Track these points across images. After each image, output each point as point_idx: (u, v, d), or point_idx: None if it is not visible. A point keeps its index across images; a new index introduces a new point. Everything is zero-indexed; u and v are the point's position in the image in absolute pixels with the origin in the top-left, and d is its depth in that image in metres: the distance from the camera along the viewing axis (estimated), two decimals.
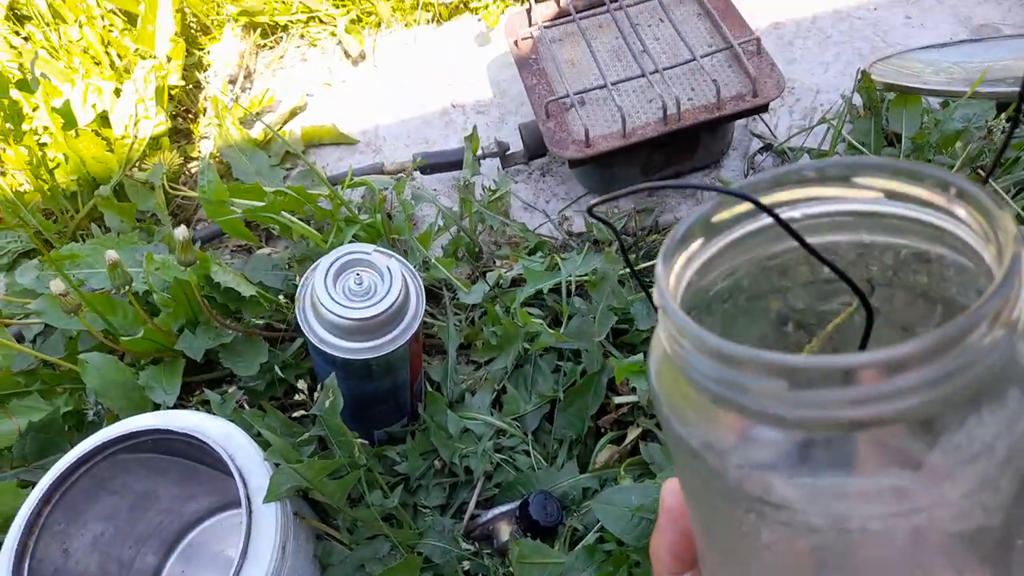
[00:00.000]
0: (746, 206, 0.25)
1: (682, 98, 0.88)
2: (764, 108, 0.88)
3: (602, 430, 0.78)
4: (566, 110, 0.91)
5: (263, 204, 0.80)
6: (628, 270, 0.81)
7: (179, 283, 0.72)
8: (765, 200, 0.24)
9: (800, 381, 0.19)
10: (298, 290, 0.68)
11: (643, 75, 0.90)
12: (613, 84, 0.90)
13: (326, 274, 0.64)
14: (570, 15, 1.00)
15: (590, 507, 0.72)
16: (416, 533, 0.72)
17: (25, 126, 1.01)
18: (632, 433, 0.76)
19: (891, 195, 0.25)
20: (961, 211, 0.23)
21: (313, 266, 0.67)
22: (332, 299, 0.64)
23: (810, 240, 0.24)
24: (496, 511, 0.74)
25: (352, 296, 0.64)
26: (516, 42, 0.99)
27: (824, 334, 0.31)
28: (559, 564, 0.66)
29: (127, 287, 0.66)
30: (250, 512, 0.62)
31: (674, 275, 0.25)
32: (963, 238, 0.24)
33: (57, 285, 0.62)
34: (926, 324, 0.28)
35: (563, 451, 0.78)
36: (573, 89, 0.91)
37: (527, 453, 0.78)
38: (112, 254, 0.63)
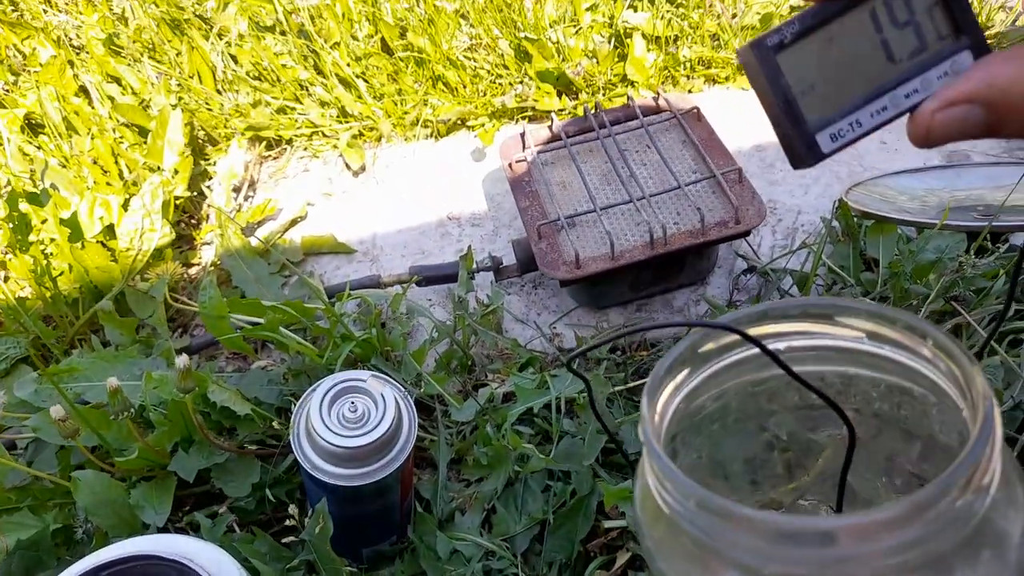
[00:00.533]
0: (731, 337, 0.27)
1: (668, 223, 0.92)
2: (747, 234, 0.92)
3: (591, 554, 0.78)
4: (557, 231, 0.95)
5: (262, 323, 0.83)
6: (617, 391, 0.83)
7: (175, 403, 0.74)
8: (751, 332, 0.26)
9: (781, 538, 0.20)
10: (293, 415, 0.69)
11: (631, 200, 0.94)
12: (602, 209, 0.94)
13: (321, 401, 0.66)
14: (561, 139, 1.06)
15: None
16: None
17: (32, 237, 1.05)
18: (621, 558, 0.76)
19: (872, 336, 0.26)
20: (937, 360, 0.25)
21: (309, 390, 0.69)
22: (326, 427, 0.65)
23: (796, 369, 0.25)
24: None
25: (346, 424, 0.66)
26: (510, 164, 1.04)
27: (808, 481, 0.32)
28: None
29: (126, 413, 0.67)
30: None
31: (659, 409, 0.26)
32: (938, 383, 0.25)
33: (57, 411, 0.64)
34: (908, 454, 0.29)
35: (553, 574, 0.78)
36: (564, 213, 0.95)
37: None
38: (113, 381, 0.65)
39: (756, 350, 0.25)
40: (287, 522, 0.70)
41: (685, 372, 0.26)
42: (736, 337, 0.26)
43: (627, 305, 1.04)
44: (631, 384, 0.88)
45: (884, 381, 0.28)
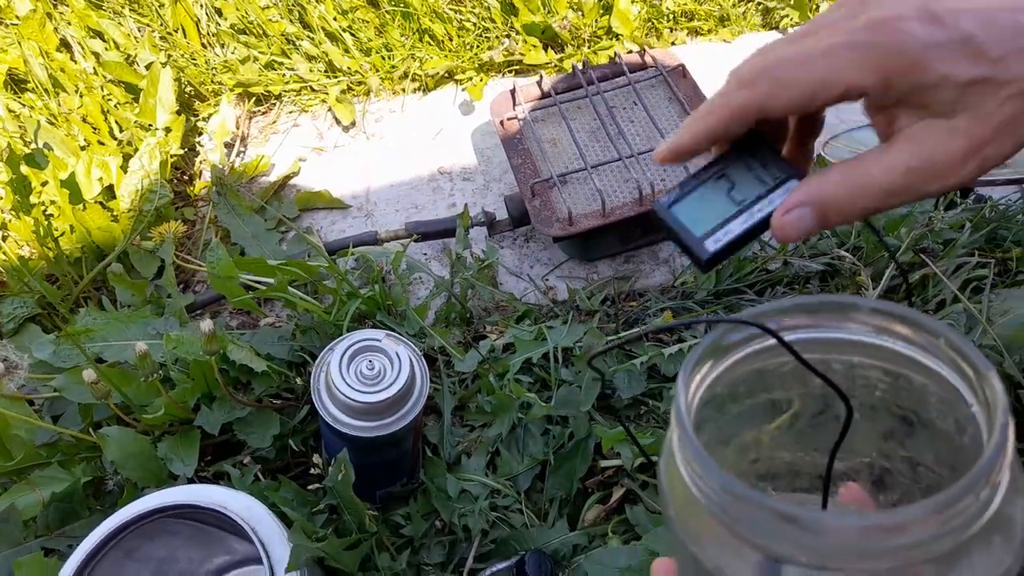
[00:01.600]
0: (751, 330, 0.31)
1: (655, 180, 0.96)
2: None
3: (589, 490, 0.85)
4: (550, 189, 0.99)
5: (273, 283, 0.86)
6: (611, 343, 0.89)
7: (198, 363, 0.78)
8: (770, 326, 0.30)
9: (808, 529, 0.23)
10: (313, 370, 0.74)
11: (620, 158, 0.98)
12: (593, 167, 0.98)
13: (340, 359, 0.71)
14: (551, 97, 1.08)
15: (579, 563, 0.79)
16: None
17: (33, 199, 1.06)
18: (617, 493, 0.83)
19: (883, 331, 0.30)
20: (948, 358, 0.28)
21: (328, 348, 0.74)
22: (346, 383, 0.70)
23: (807, 356, 0.30)
24: (494, 568, 0.80)
25: (364, 380, 0.71)
26: (502, 122, 1.07)
27: (803, 456, 0.36)
28: None
29: (155, 375, 0.71)
30: None
31: (690, 396, 0.29)
32: (948, 379, 0.29)
33: (89, 374, 0.68)
34: (902, 437, 0.33)
35: (554, 510, 0.85)
36: (556, 171, 0.99)
37: (520, 512, 0.85)
38: (141, 346, 0.69)
39: (770, 342, 0.29)
40: (311, 470, 0.75)
41: (710, 364, 0.30)
42: (755, 330, 0.30)
43: (616, 257, 1.09)
44: (622, 334, 0.94)
45: (890, 370, 0.30)
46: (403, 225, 1.12)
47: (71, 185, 1.05)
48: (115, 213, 1.09)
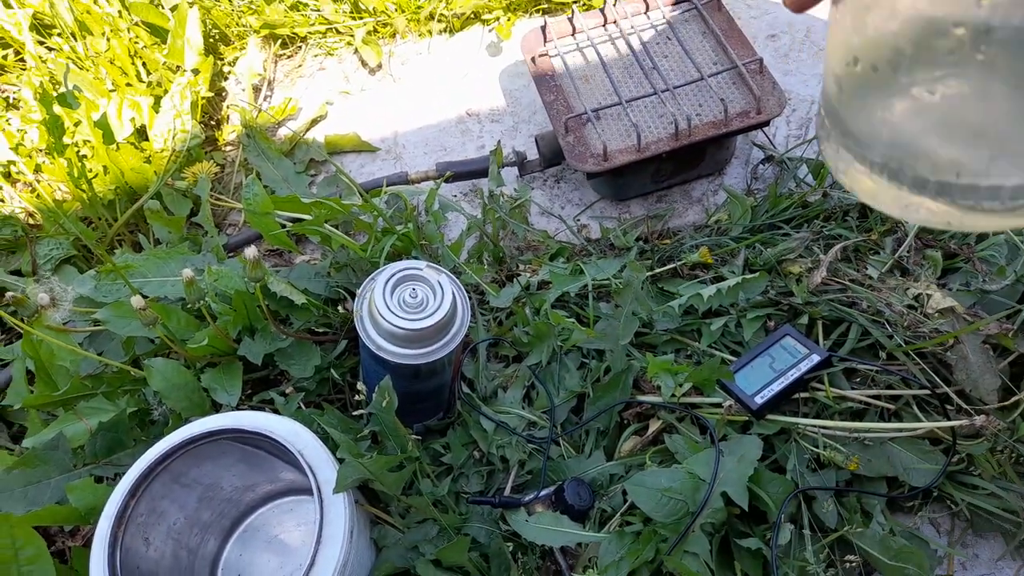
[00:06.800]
0: None
1: (691, 115, 0.95)
2: (767, 124, 0.95)
3: (626, 422, 0.85)
4: (583, 125, 0.98)
5: (310, 218, 0.87)
6: (648, 278, 0.89)
7: (240, 294, 0.79)
8: None
9: None
10: (356, 300, 0.74)
11: (655, 93, 0.97)
12: (627, 102, 0.97)
13: (384, 287, 0.71)
14: (583, 32, 1.07)
15: (616, 491, 0.80)
16: (461, 517, 0.80)
17: (66, 139, 1.06)
18: (653, 425, 0.84)
19: None
20: None
21: (370, 278, 0.74)
22: (390, 311, 0.71)
23: None
24: (534, 495, 0.82)
25: (407, 308, 0.71)
26: (533, 59, 1.06)
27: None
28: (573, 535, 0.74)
29: (201, 301, 0.72)
30: (321, 501, 0.69)
31: None
32: None
33: (138, 301, 0.69)
34: None
35: (590, 441, 0.85)
36: (590, 106, 0.98)
37: (557, 443, 0.86)
38: (188, 272, 0.69)
39: None
40: (354, 399, 0.76)
41: None
42: None
43: (648, 196, 1.08)
44: (658, 270, 0.93)
45: None
46: (434, 166, 1.11)
47: (104, 126, 1.06)
48: (148, 153, 1.09)
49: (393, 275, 0.72)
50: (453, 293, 0.73)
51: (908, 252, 0.84)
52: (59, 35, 1.28)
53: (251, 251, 0.70)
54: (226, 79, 1.33)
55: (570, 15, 1.10)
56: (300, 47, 1.35)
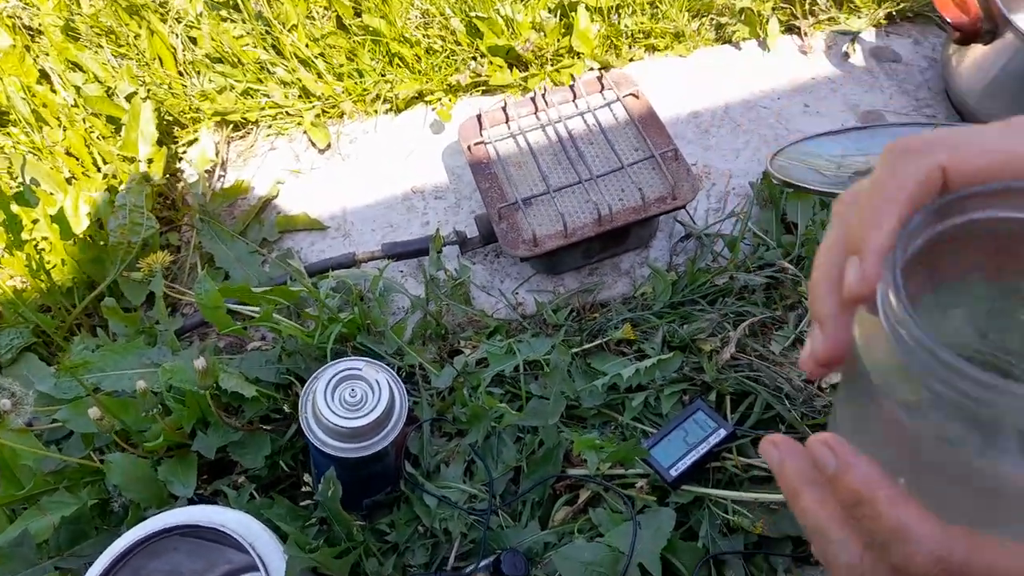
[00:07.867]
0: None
1: (613, 201, 1.04)
2: (682, 207, 1.04)
3: (558, 493, 0.92)
4: (515, 212, 1.06)
5: (260, 313, 0.93)
6: (574, 354, 0.96)
7: (193, 394, 0.84)
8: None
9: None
10: (301, 398, 0.81)
11: (580, 181, 1.05)
12: (555, 190, 1.05)
13: (325, 388, 0.78)
14: (515, 121, 1.15)
15: (551, 558, 0.87)
16: None
17: (24, 236, 1.12)
18: (583, 495, 0.91)
19: None
20: None
21: (313, 378, 0.81)
22: (331, 410, 0.77)
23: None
24: (474, 566, 0.88)
25: (347, 407, 0.78)
26: (469, 148, 1.14)
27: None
28: None
29: (155, 409, 0.78)
30: None
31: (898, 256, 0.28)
32: None
33: (95, 412, 0.74)
34: None
35: (527, 511, 0.92)
36: (521, 194, 1.06)
37: (496, 514, 0.92)
38: (142, 384, 0.75)
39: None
40: (302, 487, 0.82)
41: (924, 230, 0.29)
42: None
43: (580, 270, 1.16)
44: (587, 346, 1.01)
45: None
46: (379, 246, 1.18)
47: (61, 220, 1.11)
48: (104, 245, 1.15)
49: (334, 376, 0.78)
50: (390, 387, 0.80)
51: (808, 327, 0.92)
52: (14, 124, 1.33)
53: (200, 362, 0.76)
54: (180, 160, 1.39)
55: (503, 104, 1.18)
56: (252, 129, 1.41)
